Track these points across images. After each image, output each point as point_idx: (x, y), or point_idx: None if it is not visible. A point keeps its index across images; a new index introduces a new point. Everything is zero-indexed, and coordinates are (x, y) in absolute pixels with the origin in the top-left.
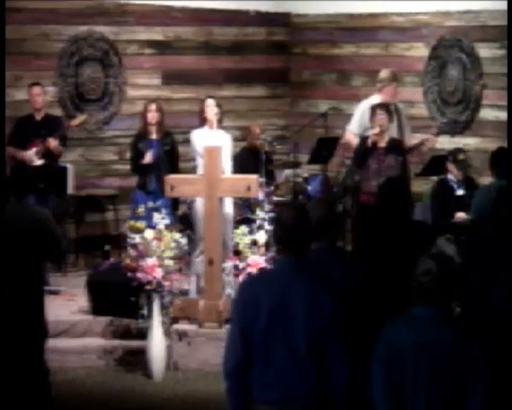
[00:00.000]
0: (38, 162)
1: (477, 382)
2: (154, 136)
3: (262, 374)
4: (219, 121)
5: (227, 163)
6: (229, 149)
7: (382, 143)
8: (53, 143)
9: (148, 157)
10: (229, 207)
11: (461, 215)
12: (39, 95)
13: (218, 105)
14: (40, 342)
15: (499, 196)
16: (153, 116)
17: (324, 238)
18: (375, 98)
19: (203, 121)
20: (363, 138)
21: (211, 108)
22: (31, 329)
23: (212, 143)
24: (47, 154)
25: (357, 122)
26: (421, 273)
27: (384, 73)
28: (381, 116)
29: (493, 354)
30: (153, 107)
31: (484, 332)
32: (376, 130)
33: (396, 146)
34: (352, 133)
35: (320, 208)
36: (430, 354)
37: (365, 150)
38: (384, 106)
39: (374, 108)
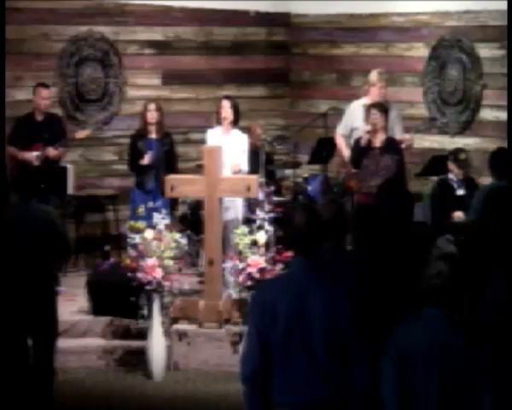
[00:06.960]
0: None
1: (490, 382)
2: (153, 135)
3: (281, 377)
4: (236, 121)
5: (243, 163)
6: (244, 149)
7: (378, 143)
8: (52, 153)
9: (147, 158)
10: (240, 211)
11: (458, 215)
12: (48, 99)
13: (235, 106)
14: (51, 342)
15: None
16: (152, 116)
17: (331, 239)
18: (363, 100)
19: (219, 121)
20: (358, 138)
21: (224, 110)
22: (42, 328)
23: (226, 143)
24: (48, 159)
25: (343, 123)
26: (434, 275)
27: (371, 75)
28: (374, 115)
29: (505, 354)
30: (152, 106)
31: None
32: (368, 128)
33: (392, 145)
34: (338, 134)
35: (329, 209)
36: (443, 355)
37: (360, 150)
38: (378, 105)
39: (368, 108)
